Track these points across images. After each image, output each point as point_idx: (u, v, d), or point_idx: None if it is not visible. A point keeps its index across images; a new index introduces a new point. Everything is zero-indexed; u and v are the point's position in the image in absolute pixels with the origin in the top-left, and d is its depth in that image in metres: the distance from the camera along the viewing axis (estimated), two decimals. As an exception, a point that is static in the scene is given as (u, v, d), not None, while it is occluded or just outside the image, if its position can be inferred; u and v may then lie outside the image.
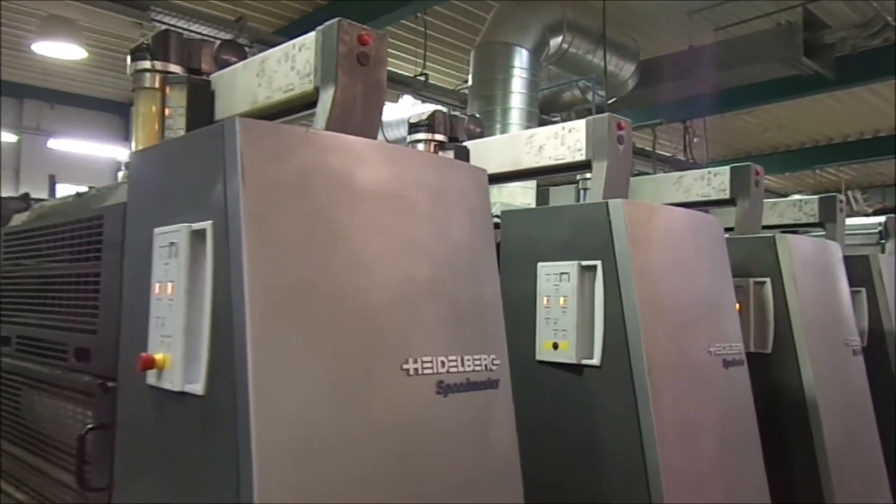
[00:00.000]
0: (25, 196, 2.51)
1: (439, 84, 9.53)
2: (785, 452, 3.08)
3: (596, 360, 2.33)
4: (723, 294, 2.66)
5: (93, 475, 1.71)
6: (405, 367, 1.51)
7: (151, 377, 1.53)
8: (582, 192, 3.85)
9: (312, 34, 1.84)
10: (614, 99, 8.73)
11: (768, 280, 3.18)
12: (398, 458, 1.49)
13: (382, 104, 1.90)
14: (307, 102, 1.90)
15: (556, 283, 2.42)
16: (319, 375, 1.40)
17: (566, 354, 2.38)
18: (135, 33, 6.01)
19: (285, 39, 1.95)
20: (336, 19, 1.78)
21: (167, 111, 2.33)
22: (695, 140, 12.36)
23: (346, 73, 1.77)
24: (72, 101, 12.35)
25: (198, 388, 1.41)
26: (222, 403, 1.36)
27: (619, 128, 2.76)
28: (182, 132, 2.27)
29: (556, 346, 2.41)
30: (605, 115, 2.77)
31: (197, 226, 1.46)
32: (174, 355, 1.47)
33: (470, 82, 7.32)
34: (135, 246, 1.68)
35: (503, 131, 6.72)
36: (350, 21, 1.82)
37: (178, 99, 2.33)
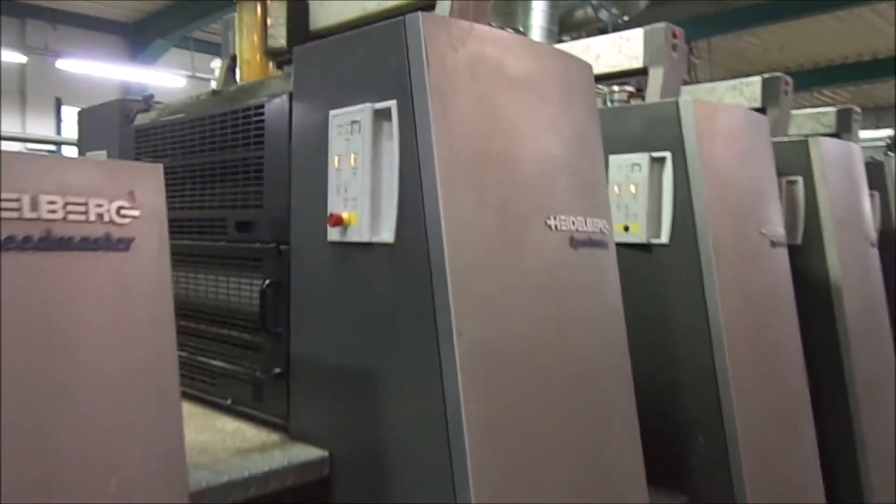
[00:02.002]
0: (149, 97, 2.76)
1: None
2: (808, 329, 3.47)
3: (664, 239, 2.68)
4: (768, 184, 2.99)
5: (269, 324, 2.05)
6: (548, 222, 1.84)
7: (334, 234, 1.84)
8: (609, 104, 4.12)
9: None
10: (627, 18, 8.85)
11: (800, 178, 3.52)
12: (546, 295, 1.83)
13: (489, 8, 2.17)
14: (416, 8, 2.16)
15: (628, 173, 2.74)
16: (491, 227, 1.72)
17: (637, 235, 2.72)
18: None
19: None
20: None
21: (269, 21, 2.60)
22: (696, 62, 12.53)
23: (458, -23, 2.02)
24: (74, 21, 12.25)
25: (388, 237, 1.72)
26: (413, 250, 1.68)
27: (674, 36, 3.06)
28: (283, 41, 2.54)
29: (626, 229, 2.74)
30: (662, 24, 3.05)
31: (380, 105, 1.74)
32: (360, 213, 1.77)
33: None
34: (305, 128, 1.97)
35: (525, 49, 6.89)
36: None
37: (278, 10, 2.58)
